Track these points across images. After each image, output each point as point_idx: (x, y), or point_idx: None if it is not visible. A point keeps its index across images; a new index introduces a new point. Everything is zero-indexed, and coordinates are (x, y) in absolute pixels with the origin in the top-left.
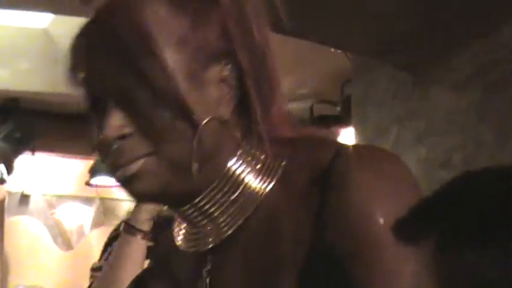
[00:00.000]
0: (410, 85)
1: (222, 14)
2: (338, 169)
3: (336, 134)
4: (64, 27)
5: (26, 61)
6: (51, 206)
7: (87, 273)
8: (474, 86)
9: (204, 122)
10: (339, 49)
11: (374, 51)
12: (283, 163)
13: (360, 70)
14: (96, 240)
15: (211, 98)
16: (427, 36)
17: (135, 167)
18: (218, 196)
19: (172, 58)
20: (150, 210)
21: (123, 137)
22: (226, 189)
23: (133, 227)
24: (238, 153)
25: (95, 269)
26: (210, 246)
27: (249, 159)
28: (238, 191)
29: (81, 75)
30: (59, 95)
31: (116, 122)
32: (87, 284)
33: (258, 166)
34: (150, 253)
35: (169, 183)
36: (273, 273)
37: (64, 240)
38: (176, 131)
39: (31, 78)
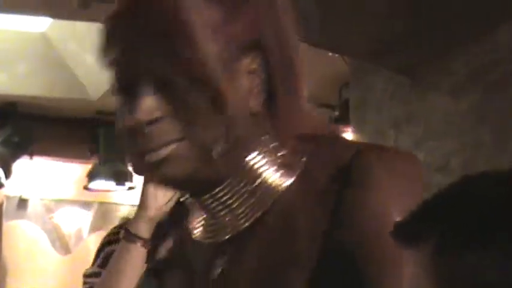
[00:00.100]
0: (408, 88)
1: (253, 7)
2: (358, 167)
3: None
4: (62, 32)
5: (24, 65)
6: (49, 210)
7: None
8: (474, 87)
9: (237, 110)
10: (336, 53)
11: (372, 52)
12: (304, 159)
13: (358, 73)
14: (94, 245)
15: (242, 88)
16: (426, 36)
17: (165, 151)
18: (237, 187)
19: (208, 45)
20: (150, 218)
21: (153, 121)
22: (245, 181)
23: (133, 234)
24: (260, 147)
25: (87, 275)
26: (227, 237)
27: (271, 154)
28: (255, 184)
29: (115, 55)
30: (57, 100)
31: (148, 105)
32: None
33: (279, 161)
34: (148, 258)
35: (197, 169)
36: (287, 269)
37: (62, 245)
38: (209, 116)
39: (29, 82)
